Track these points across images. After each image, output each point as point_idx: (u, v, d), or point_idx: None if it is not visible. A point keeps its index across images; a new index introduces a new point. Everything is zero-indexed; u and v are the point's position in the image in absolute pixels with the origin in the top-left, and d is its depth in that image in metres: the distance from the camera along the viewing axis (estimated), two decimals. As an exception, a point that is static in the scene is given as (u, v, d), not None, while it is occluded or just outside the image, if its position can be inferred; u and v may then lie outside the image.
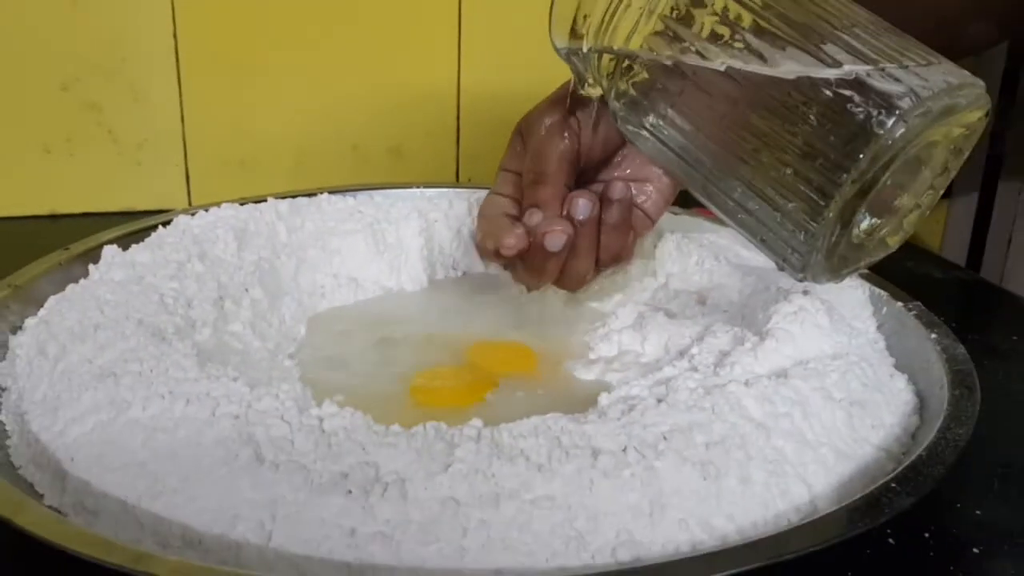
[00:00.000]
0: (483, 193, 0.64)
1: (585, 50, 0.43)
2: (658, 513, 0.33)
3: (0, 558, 0.36)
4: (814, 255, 0.39)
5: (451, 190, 0.65)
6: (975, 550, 0.38)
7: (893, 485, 0.34)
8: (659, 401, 0.37)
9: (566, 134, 0.49)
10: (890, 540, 0.38)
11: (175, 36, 0.73)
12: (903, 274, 0.68)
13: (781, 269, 0.41)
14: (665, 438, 0.35)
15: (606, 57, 0.43)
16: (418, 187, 0.67)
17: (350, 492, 0.33)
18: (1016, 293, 0.74)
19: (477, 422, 0.36)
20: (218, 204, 0.57)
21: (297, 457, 0.34)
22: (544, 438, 0.35)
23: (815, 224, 0.37)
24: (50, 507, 0.35)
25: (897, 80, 0.36)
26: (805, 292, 0.46)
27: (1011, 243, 0.97)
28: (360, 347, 0.51)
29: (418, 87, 0.81)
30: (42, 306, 0.48)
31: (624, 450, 0.34)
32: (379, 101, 0.79)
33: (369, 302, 0.57)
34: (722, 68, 0.38)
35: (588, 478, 0.33)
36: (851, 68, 0.36)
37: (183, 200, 0.77)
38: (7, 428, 0.41)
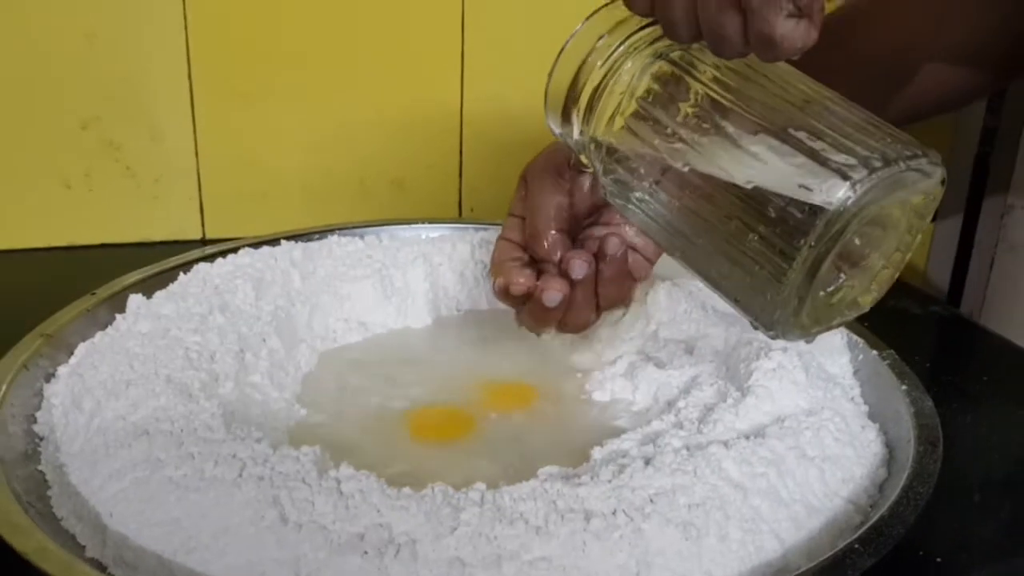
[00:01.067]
0: (485, 232, 0.68)
1: (576, 136, 0.46)
2: (644, 572, 0.36)
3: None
4: (780, 313, 0.42)
5: (454, 231, 0.68)
6: (934, 598, 0.42)
7: (857, 546, 0.37)
8: (646, 463, 0.41)
9: (559, 190, 0.53)
10: (856, 588, 0.41)
11: (189, 76, 0.76)
12: (883, 309, 0.72)
13: (755, 328, 0.44)
14: (651, 501, 0.39)
15: None
16: (422, 223, 0.71)
17: (366, 553, 0.36)
18: (995, 324, 0.78)
19: (480, 485, 0.39)
20: (235, 250, 0.61)
21: (317, 518, 0.37)
22: (541, 501, 0.38)
23: (780, 285, 0.41)
24: (92, 559, 0.39)
25: (851, 152, 0.39)
26: (784, 350, 0.49)
27: (993, 267, 1.01)
28: (366, 385, 0.55)
29: (421, 121, 0.84)
30: (71, 352, 0.52)
31: (614, 512, 0.38)
32: (383, 135, 0.83)
33: (376, 340, 0.61)
34: (685, 169, 0.42)
35: (581, 540, 0.37)
36: (808, 147, 0.40)
37: (197, 231, 0.81)
38: (47, 478, 0.44)
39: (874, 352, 0.54)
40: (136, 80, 0.76)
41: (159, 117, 0.77)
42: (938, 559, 0.44)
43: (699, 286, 0.60)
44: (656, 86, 0.44)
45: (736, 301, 0.44)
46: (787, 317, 0.42)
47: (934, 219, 1.04)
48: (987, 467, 0.52)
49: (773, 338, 0.44)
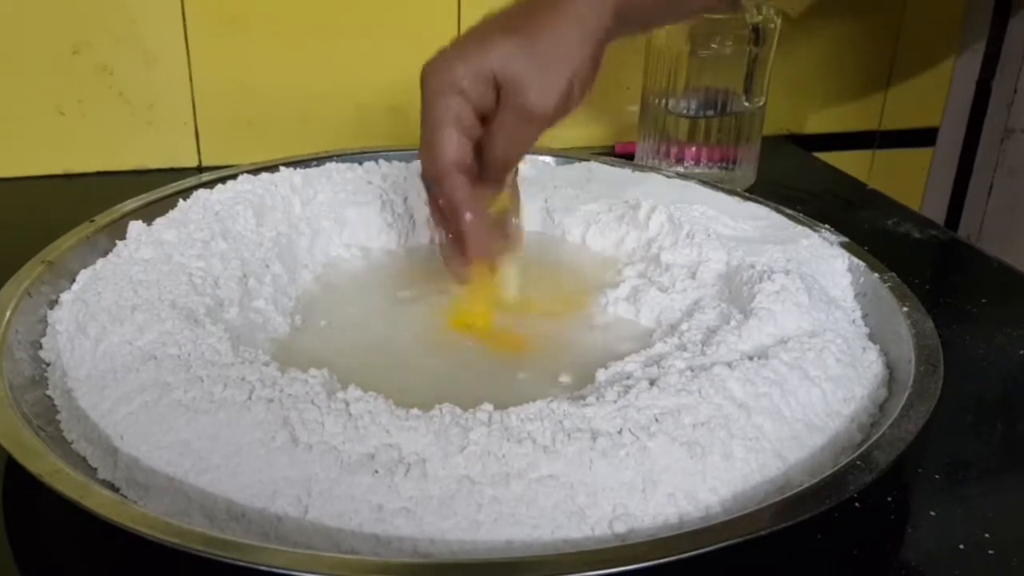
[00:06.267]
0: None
1: None
2: (650, 488, 0.37)
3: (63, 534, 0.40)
4: None
5: (454, 157, 0.68)
6: (932, 513, 0.42)
7: (858, 463, 0.38)
8: (651, 384, 0.41)
9: None
10: (856, 504, 0.42)
11: (182, -1, 0.75)
12: (884, 233, 0.72)
13: None
14: (657, 420, 0.39)
15: None
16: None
17: (377, 472, 0.37)
18: (992, 246, 0.78)
19: (488, 406, 0.40)
20: (234, 175, 0.61)
21: (328, 439, 0.38)
22: (548, 421, 0.39)
23: None
24: (104, 480, 0.39)
25: None
26: (787, 273, 0.49)
27: (991, 191, 1.01)
28: (369, 306, 0.55)
29: (417, 45, 0.82)
30: (73, 279, 0.52)
31: (620, 432, 0.38)
32: (380, 60, 0.82)
33: (377, 263, 0.60)
34: None
35: (588, 458, 0.37)
36: None
37: (193, 158, 0.80)
38: (55, 403, 0.44)
39: (875, 275, 0.55)
40: (127, 2, 0.74)
41: (151, 41, 0.76)
42: (936, 476, 0.45)
43: (701, 210, 0.60)
44: None
45: None
46: None
47: (932, 143, 1.05)
48: (984, 387, 0.53)
49: None
